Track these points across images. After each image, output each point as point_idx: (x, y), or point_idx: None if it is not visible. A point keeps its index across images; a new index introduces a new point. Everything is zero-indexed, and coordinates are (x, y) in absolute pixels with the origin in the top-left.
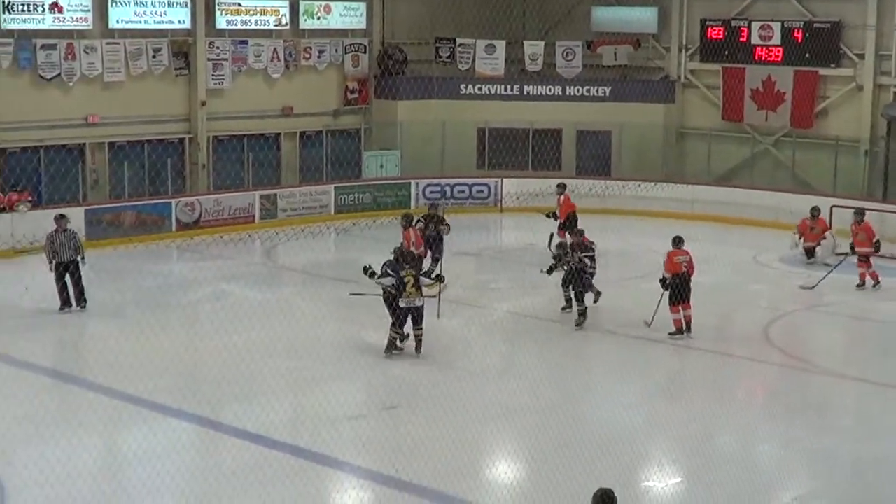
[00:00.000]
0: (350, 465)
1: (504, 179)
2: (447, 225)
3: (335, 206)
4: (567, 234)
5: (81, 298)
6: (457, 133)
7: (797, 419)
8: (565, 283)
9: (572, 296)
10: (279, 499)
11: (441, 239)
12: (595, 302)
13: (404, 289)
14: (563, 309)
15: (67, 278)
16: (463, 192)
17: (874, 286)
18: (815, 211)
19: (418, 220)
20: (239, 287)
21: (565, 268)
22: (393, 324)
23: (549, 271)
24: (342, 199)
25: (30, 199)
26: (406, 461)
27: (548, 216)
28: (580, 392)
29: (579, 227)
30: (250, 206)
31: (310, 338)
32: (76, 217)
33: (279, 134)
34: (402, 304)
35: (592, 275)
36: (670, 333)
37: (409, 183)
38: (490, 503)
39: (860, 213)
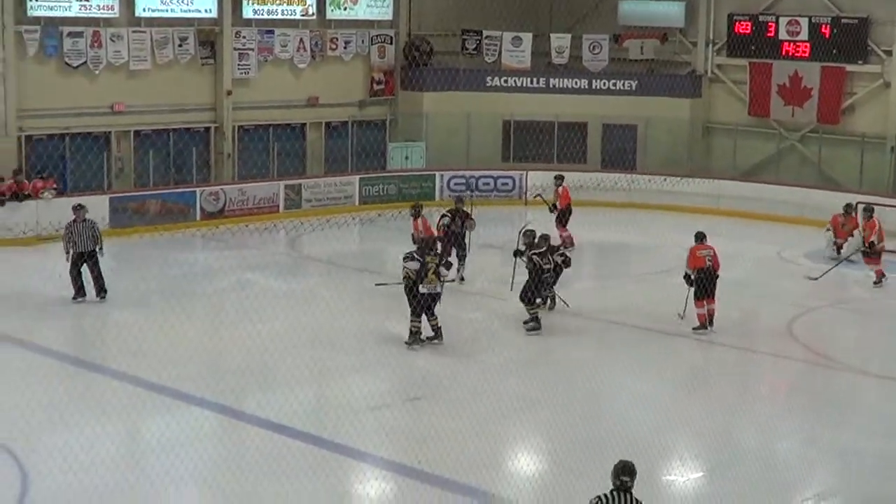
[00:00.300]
0: (372, 456)
1: (529, 172)
2: (472, 220)
3: (360, 196)
4: (566, 227)
5: (102, 290)
6: (482, 125)
7: (820, 415)
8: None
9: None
10: (301, 488)
11: (464, 235)
12: (549, 309)
13: (426, 275)
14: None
15: (84, 268)
16: (488, 184)
17: (875, 283)
18: (847, 208)
19: (444, 216)
20: (263, 277)
21: (525, 262)
22: (413, 312)
23: (518, 254)
24: (367, 190)
25: (55, 186)
26: (429, 452)
27: (550, 209)
28: (602, 386)
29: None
30: (275, 195)
31: (333, 328)
32: (100, 205)
33: (304, 124)
34: (422, 290)
35: (549, 280)
36: (694, 328)
37: (434, 175)
38: (512, 495)
39: (869, 209)
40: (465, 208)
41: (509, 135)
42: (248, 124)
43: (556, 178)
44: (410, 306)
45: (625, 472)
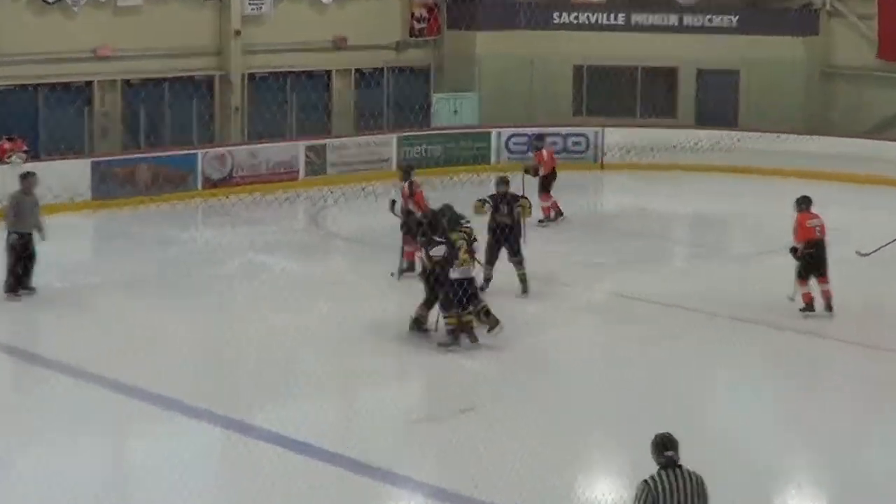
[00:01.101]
0: (413, 481)
1: (606, 129)
2: (525, 200)
3: (397, 160)
4: (550, 194)
5: (29, 282)
6: (548, 72)
7: None
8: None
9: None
10: None
11: (517, 226)
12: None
13: (456, 256)
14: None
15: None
16: (556, 143)
17: None
18: None
19: (484, 202)
20: (278, 259)
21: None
22: (444, 305)
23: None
24: (406, 153)
25: (25, 149)
26: (484, 476)
27: (526, 172)
28: (696, 393)
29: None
30: (293, 159)
31: (363, 322)
32: (81, 172)
33: (330, 72)
34: (454, 275)
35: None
36: (802, 309)
37: (489, 133)
38: None
39: None
40: (512, 190)
41: (582, 83)
42: (260, 72)
43: (535, 138)
44: (439, 300)
45: (670, 446)
